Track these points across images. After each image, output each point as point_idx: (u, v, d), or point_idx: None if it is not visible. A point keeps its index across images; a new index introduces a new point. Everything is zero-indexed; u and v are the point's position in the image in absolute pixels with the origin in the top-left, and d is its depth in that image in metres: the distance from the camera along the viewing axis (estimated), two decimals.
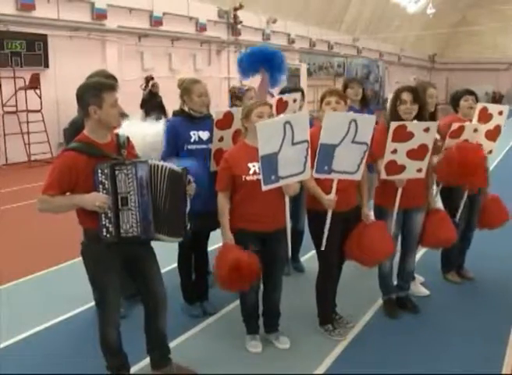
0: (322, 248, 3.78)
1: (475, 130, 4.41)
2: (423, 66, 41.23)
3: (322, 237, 3.77)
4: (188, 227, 3.24)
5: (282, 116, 3.56)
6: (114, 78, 4.14)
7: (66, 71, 13.35)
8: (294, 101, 4.78)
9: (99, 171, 2.94)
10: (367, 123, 3.63)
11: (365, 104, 5.37)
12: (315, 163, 3.58)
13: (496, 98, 40.46)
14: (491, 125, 4.43)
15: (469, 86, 5.02)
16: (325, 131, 3.54)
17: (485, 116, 4.45)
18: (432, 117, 4.40)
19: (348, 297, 4.39)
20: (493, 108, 4.47)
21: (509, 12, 34.11)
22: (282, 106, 4.64)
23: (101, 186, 2.94)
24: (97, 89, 3.00)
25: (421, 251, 5.18)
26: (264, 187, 3.41)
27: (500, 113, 4.45)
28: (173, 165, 3.19)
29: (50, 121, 13.29)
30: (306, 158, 3.48)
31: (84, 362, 3.59)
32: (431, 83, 4.79)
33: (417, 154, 3.86)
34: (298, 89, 5.24)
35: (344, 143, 3.57)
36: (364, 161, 3.68)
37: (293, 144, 3.41)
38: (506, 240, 6.17)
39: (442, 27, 35.57)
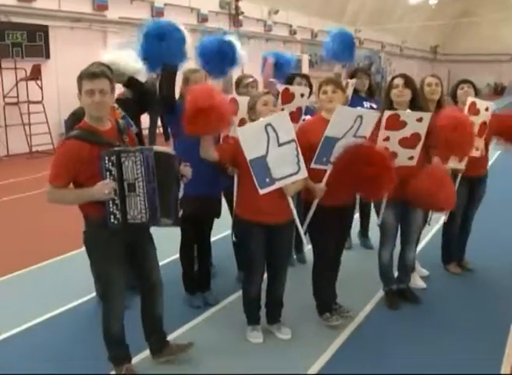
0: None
1: (486, 109, 4.43)
2: (425, 58, 41.05)
3: (318, 229, 3.79)
4: (180, 214, 3.22)
5: (261, 119, 3.47)
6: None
7: (67, 62, 13.28)
8: (302, 95, 4.55)
9: (106, 158, 2.94)
10: (371, 118, 3.68)
11: (371, 94, 5.48)
12: (316, 154, 3.59)
13: (498, 90, 40.36)
14: (478, 120, 4.38)
15: (471, 77, 4.97)
16: (333, 125, 3.55)
17: (473, 111, 4.42)
18: (438, 106, 4.43)
19: (349, 288, 4.40)
20: (481, 104, 4.44)
21: None
22: (287, 98, 4.46)
23: (108, 173, 2.94)
24: (80, 76, 3.02)
25: (421, 243, 5.18)
26: (261, 191, 3.40)
27: (486, 110, 4.44)
28: (165, 148, 3.18)
29: (51, 112, 13.27)
30: (297, 157, 3.45)
31: (85, 354, 3.61)
32: (432, 73, 4.78)
33: (409, 142, 3.88)
34: (305, 76, 5.11)
35: (346, 137, 3.61)
36: None
37: (280, 145, 3.40)
38: (508, 231, 6.19)
39: (445, 18, 35.39)
